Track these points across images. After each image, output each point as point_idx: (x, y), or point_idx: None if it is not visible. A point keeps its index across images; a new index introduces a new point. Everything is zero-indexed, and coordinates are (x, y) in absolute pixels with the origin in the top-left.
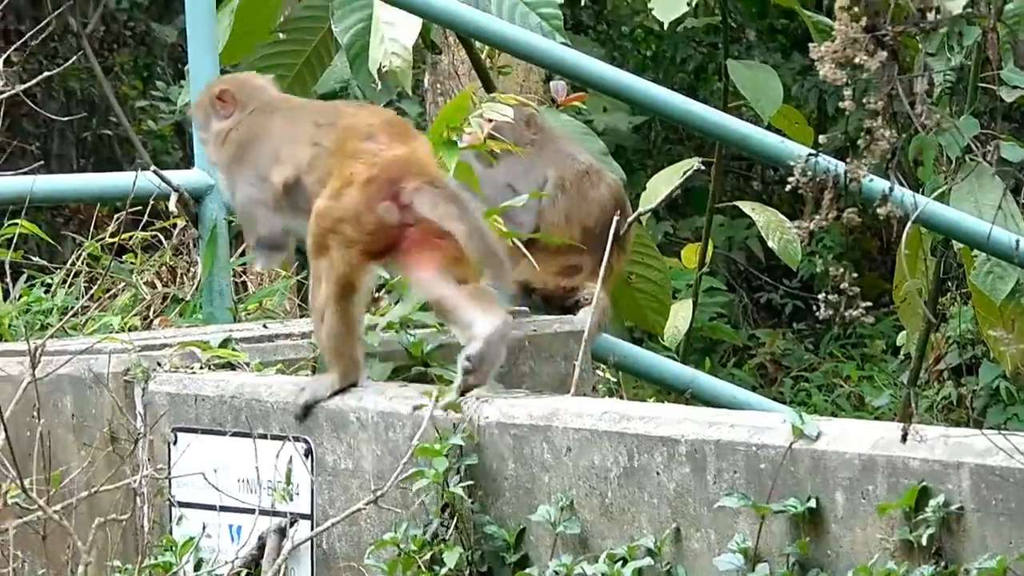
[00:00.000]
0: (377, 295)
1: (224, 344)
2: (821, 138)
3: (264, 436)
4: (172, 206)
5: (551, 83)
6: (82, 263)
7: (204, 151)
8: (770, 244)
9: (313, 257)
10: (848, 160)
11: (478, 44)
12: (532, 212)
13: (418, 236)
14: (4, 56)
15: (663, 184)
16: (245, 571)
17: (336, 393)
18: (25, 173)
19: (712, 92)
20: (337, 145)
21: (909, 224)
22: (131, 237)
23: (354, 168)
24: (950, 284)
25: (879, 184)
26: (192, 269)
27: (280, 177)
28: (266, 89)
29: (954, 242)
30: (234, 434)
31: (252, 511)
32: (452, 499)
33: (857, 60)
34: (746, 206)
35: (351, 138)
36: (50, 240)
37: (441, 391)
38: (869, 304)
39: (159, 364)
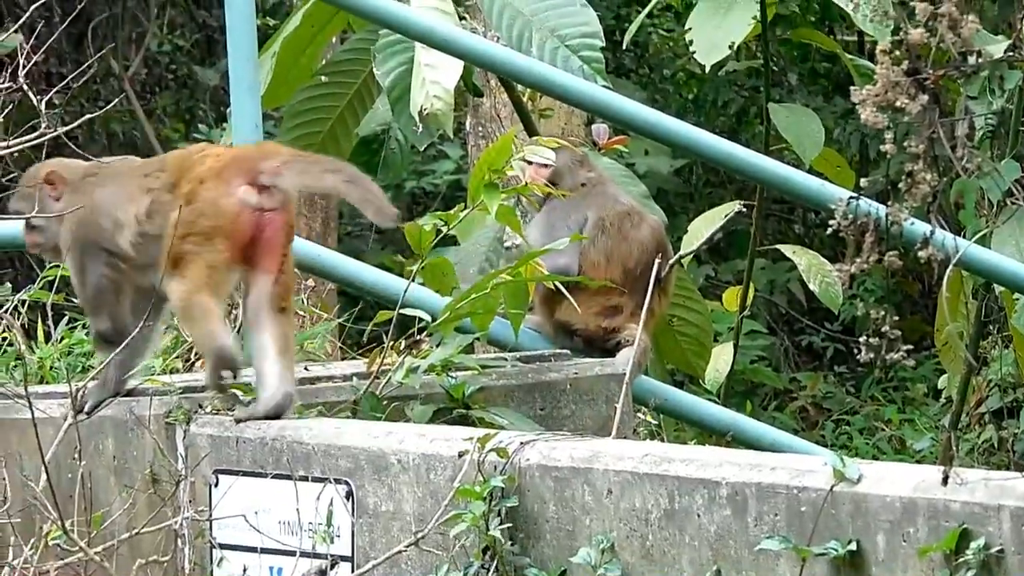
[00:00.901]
0: (418, 338)
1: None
2: (862, 181)
3: (305, 478)
4: None
5: (592, 126)
6: None
7: (39, 241)
8: (811, 287)
9: (168, 276)
10: (889, 203)
11: (520, 87)
12: (574, 254)
13: (271, 234)
14: (46, 98)
15: (704, 227)
16: None
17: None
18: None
19: (753, 135)
20: (174, 177)
21: (950, 267)
22: None
23: (201, 169)
24: (991, 327)
25: (920, 227)
26: (234, 312)
27: (126, 241)
28: (81, 165)
29: (995, 285)
30: (275, 476)
31: (293, 553)
32: (492, 542)
33: (899, 104)
34: (787, 249)
35: (186, 165)
36: None
37: (487, 435)
38: (910, 347)
39: (200, 406)
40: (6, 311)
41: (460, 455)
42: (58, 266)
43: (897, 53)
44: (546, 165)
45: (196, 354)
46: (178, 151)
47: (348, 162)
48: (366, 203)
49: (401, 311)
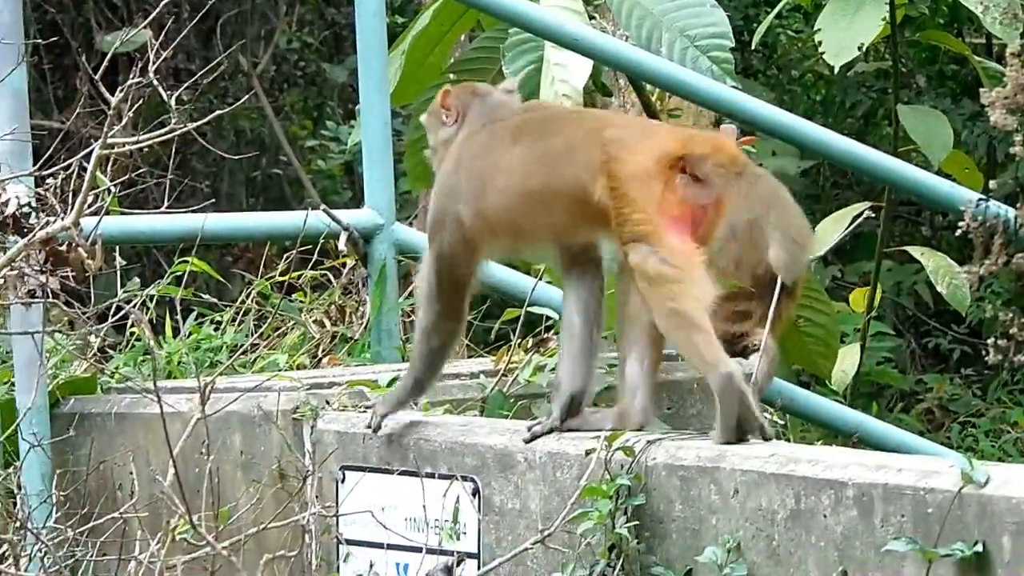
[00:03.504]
0: (546, 336)
1: (392, 383)
2: (991, 184)
3: (432, 475)
4: (342, 245)
5: (721, 126)
6: (251, 301)
7: None
8: (939, 289)
9: None
10: (1018, 205)
11: (648, 86)
12: None
13: None
14: (175, 95)
15: (832, 228)
16: None
17: None
18: (195, 211)
19: (881, 137)
20: None
21: None
22: (300, 276)
23: None
24: None
25: None
26: (361, 308)
27: None
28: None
29: None
30: (401, 473)
31: (419, 550)
32: (619, 540)
33: None
34: (915, 251)
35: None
36: (220, 278)
37: (615, 433)
38: None
39: (328, 402)
40: (134, 306)
41: (587, 453)
42: (186, 261)
43: None
44: None
45: (323, 350)
46: None
47: None
48: None
49: (528, 309)
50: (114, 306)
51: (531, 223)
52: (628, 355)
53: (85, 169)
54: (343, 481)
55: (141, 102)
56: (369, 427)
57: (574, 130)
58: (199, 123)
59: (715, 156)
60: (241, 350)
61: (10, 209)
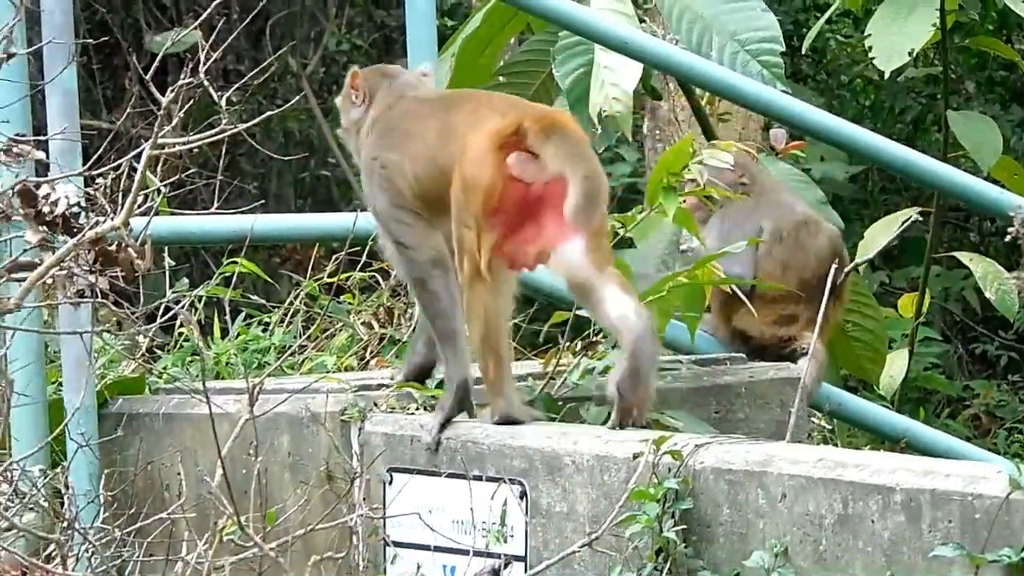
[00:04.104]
0: (594, 339)
1: (440, 386)
2: None
3: (479, 478)
4: None
5: (771, 131)
6: (300, 302)
7: None
8: (987, 295)
9: None
10: None
11: (698, 90)
12: (748, 263)
13: None
14: (225, 96)
15: (881, 234)
16: None
17: None
18: (244, 212)
19: (930, 143)
20: None
21: None
22: (348, 277)
23: None
24: None
25: None
26: (409, 310)
27: None
28: None
29: None
30: (449, 475)
31: (466, 552)
32: (666, 543)
33: None
34: (964, 256)
35: None
36: (268, 279)
37: (662, 437)
38: None
39: (375, 404)
40: (183, 307)
41: (635, 457)
42: (235, 262)
43: None
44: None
45: (371, 352)
46: None
47: None
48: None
49: (577, 312)
50: (163, 306)
51: (443, 196)
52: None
53: (135, 169)
54: (391, 483)
55: (191, 103)
56: (428, 449)
57: (464, 107)
58: (248, 124)
59: (538, 125)
60: (289, 351)
61: (60, 209)
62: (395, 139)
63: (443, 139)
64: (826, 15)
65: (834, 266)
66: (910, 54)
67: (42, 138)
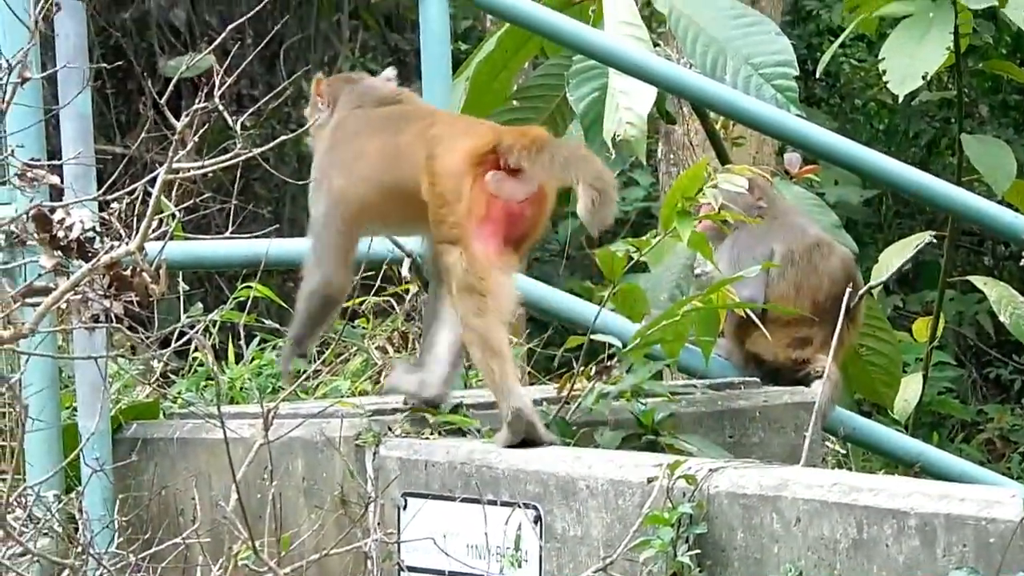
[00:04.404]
0: (609, 364)
1: (455, 410)
2: None
3: (494, 502)
4: (405, 272)
5: (785, 155)
6: None
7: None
8: (1001, 319)
9: None
10: None
11: (713, 114)
12: (759, 286)
13: None
14: (240, 120)
15: (895, 257)
16: None
17: None
18: (259, 237)
19: (944, 166)
20: None
21: None
22: (363, 302)
23: None
24: None
25: None
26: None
27: None
28: None
29: None
30: (463, 500)
31: None
32: (680, 568)
33: None
34: (979, 280)
35: None
36: (282, 303)
37: (676, 462)
38: None
39: (390, 429)
40: (197, 331)
41: (649, 481)
42: (249, 286)
43: None
44: None
45: (385, 377)
46: None
47: None
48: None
49: (592, 336)
50: (177, 331)
51: (386, 212)
52: (439, 330)
53: (149, 194)
54: (405, 507)
55: (206, 127)
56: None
57: (413, 127)
58: (263, 149)
59: (521, 141)
60: (304, 376)
61: (74, 233)
62: (342, 157)
63: (390, 159)
64: (840, 39)
65: (848, 289)
66: (924, 78)
67: (57, 163)
